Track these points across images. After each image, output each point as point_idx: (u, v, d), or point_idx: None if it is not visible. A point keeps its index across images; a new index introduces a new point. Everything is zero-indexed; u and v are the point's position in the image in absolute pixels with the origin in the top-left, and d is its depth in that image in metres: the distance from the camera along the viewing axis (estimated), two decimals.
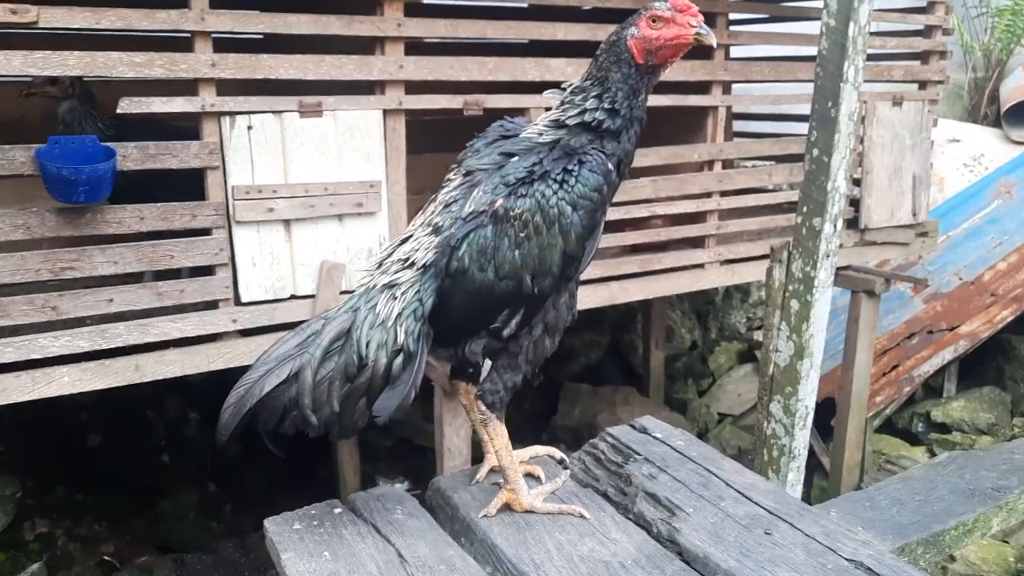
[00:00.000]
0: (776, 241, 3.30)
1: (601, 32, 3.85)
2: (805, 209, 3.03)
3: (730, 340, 7.28)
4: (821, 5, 4.68)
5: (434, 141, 5.31)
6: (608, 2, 3.85)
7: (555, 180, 1.82)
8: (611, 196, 1.91)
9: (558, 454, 2.46)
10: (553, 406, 6.52)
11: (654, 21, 1.79)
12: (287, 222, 3.25)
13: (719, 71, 4.19)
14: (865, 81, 4.83)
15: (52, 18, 2.71)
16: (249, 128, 3.12)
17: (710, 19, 4.18)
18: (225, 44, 3.15)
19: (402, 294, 1.91)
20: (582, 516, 2.06)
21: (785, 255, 3.14)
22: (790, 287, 3.11)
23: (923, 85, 4.95)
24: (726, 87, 4.37)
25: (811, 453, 5.90)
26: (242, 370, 3.36)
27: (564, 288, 1.97)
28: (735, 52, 4.99)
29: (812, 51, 4.69)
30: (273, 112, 3.16)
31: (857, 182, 4.77)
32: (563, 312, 2.01)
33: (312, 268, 3.34)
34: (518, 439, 2.25)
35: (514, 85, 3.70)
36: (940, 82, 4.96)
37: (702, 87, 4.21)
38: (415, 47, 3.46)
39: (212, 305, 3.19)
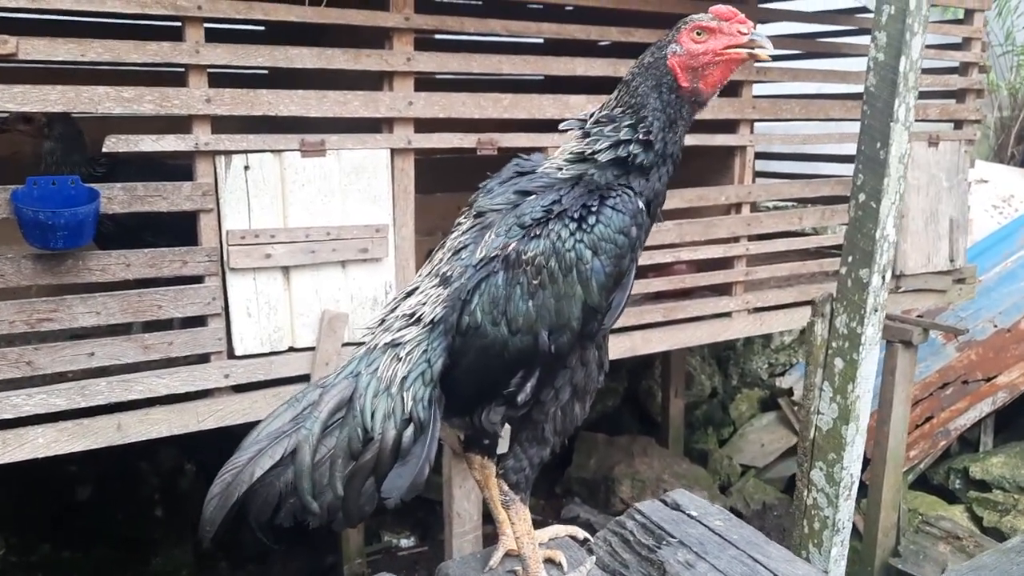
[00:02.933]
0: (817, 292, 3.04)
1: (623, 67, 3.63)
2: (851, 259, 2.77)
3: (751, 387, 6.98)
4: (854, 40, 4.49)
5: (445, 180, 5.11)
6: (632, 36, 3.64)
7: (572, 219, 1.55)
8: (642, 240, 1.63)
9: (581, 534, 2.17)
10: (567, 456, 6.21)
11: (699, 33, 1.53)
12: (286, 269, 3.01)
13: (747, 109, 3.96)
14: None
15: (33, 49, 2.51)
16: (246, 168, 2.90)
17: None
18: (225, 79, 2.95)
19: (407, 355, 1.64)
20: None
21: (828, 308, 2.87)
22: (834, 344, 2.84)
23: (959, 125, 4.71)
24: (753, 126, 4.15)
25: None
26: (237, 428, 3.12)
27: (590, 345, 1.70)
28: (762, 89, 4.78)
29: (844, 88, 4.50)
30: (272, 151, 2.94)
31: None
32: (593, 370, 1.74)
33: (312, 318, 3.09)
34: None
35: (531, 123, 3.48)
36: (977, 121, 4.72)
37: (729, 125, 3.98)
38: (425, 83, 3.25)
39: (203, 359, 2.95)
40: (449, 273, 1.66)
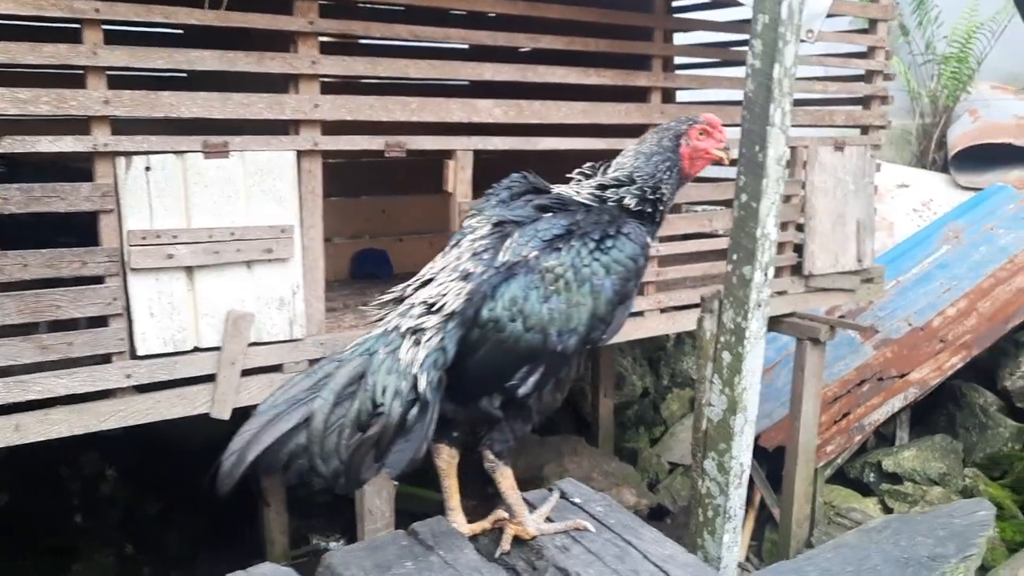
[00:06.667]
0: (707, 290, 3.16)
1: (531, 72, 3.73)
2: (735, 257, 2.89)
3: (682, 387, 7.14)
4: None
5: (369, 184, 5.15)
6: (539, 42, 3.74)
7: (593, 240, 1.85)
8: (644, 269, 1.93)
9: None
10: None
11: (702, 133, 1.97)
12: (189, 269, 3.04)
13: (655, 114, 4.08)
14: (806, 126, 4.80)
15: None
16: (147, 169, 2.92)
17: (646, 60, 4.10)
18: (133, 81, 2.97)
19: (427, 340, 1.81)
20: (587, 529, 2.09)
21: (716, 304, 2.99)
22: (721, 338, 2.96)
23: (865, 130, 4.90)
24: None
25: (763, 506, 5.73)
26: (140, 428, 3.13)
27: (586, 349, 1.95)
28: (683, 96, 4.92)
29: None
30: (175, 152, 2.97)
31: (800, 228, 4.68)
32: (577, 366, 1.99)
33: (218, 318, 3.12)
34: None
35: (439, 126, 3.55)
36: (882, 127, 4.91)
37: (637, 131, 4.08)
38: (342, 85, 3.31)
39: (104, 359, 2.96)
40: (471, 270, 1.86)
